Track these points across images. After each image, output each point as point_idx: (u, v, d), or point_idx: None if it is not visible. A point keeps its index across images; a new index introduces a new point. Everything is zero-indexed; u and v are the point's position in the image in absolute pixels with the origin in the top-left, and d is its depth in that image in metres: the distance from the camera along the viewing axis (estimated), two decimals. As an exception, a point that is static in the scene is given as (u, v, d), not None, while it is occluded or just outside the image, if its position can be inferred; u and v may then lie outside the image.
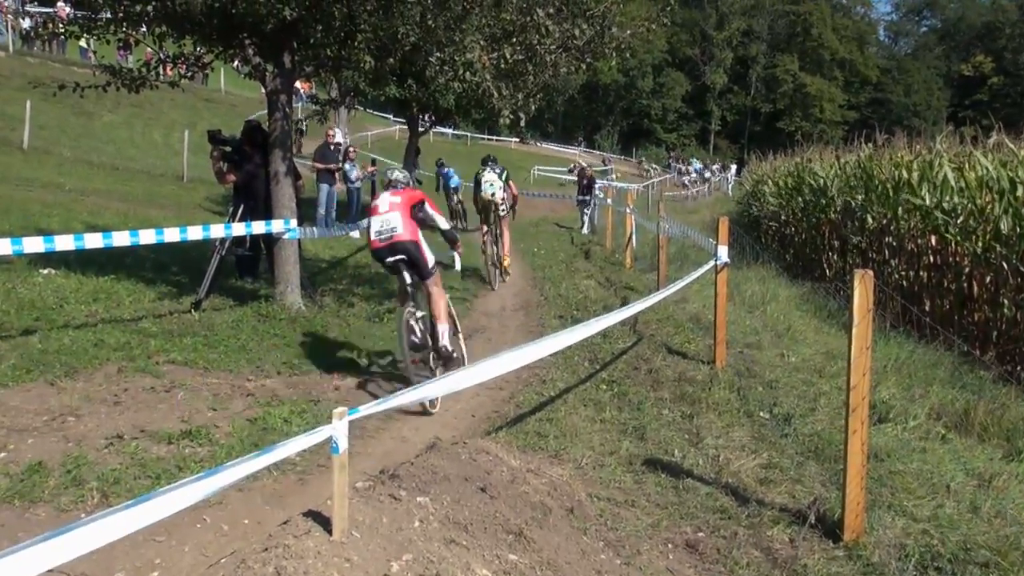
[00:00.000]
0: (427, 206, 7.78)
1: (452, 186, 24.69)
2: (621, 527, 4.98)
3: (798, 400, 7.56)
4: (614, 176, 50.78)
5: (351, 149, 21.76)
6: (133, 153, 28.29)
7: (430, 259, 7.55)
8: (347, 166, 20.37)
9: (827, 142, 31.37)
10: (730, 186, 51.24)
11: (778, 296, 13.61)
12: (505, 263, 14.58)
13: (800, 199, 18.65)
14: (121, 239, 8.12)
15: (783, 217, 19.64)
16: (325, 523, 3.69)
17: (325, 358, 8.30)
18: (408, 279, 7.42)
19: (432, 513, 4.11)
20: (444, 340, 7.41)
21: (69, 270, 10.09)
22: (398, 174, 7.82)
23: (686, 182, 58.25)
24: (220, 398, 6.73)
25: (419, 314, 7.51)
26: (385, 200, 7.55)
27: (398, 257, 7.39)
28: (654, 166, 65.51)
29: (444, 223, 8.00)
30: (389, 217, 7.43)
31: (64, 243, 7.70)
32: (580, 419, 6.82)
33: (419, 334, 7.38)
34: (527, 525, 4.40)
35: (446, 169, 25.21)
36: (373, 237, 7.42)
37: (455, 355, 7.54)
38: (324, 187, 19.09)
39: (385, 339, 9.30)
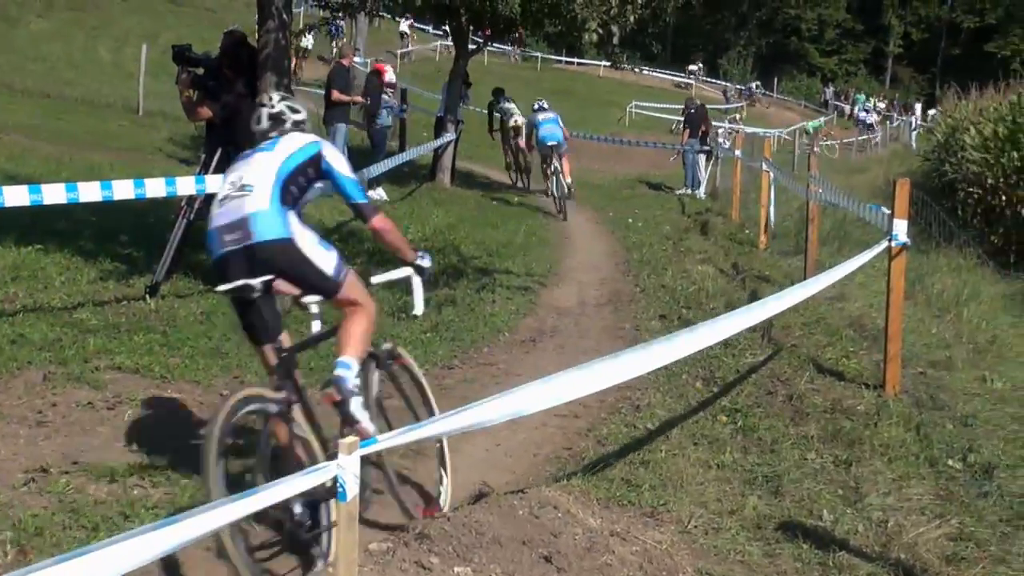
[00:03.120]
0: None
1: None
2: (743, 618, 4.96)
3: (1004, 444, 7.45)
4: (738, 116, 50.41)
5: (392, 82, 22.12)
6: (70, 75, 28.78)
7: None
8: (385, 106, 20.64)
9: (1058, 73, 30.75)
10: (913, 134, 50.53)
11: (979, 294, 13.40)
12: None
13: (1015, 155, 18.32)
14: (53, 195, 8.24)
15: (990, 181, 19.30)
16: (325, 598, 3.73)
17: (330, 367, 8.35)
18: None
19: (475, 589, 4.14)
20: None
21: (-21, 237, 10.31)
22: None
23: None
24: (183, 420, 6.83)
25: None
26: None
27: None
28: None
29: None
30: None
31: (-26, 199, 7.84)
32: (688, 463, 6.80)
33: None
34: (609, 611, 4.41)
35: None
36: None
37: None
38: (343, 128, 19.23)
39: (414, 342, 9.36)
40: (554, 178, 20.41)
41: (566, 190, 19.92)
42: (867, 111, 64.14)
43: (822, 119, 56.93)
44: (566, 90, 44.12)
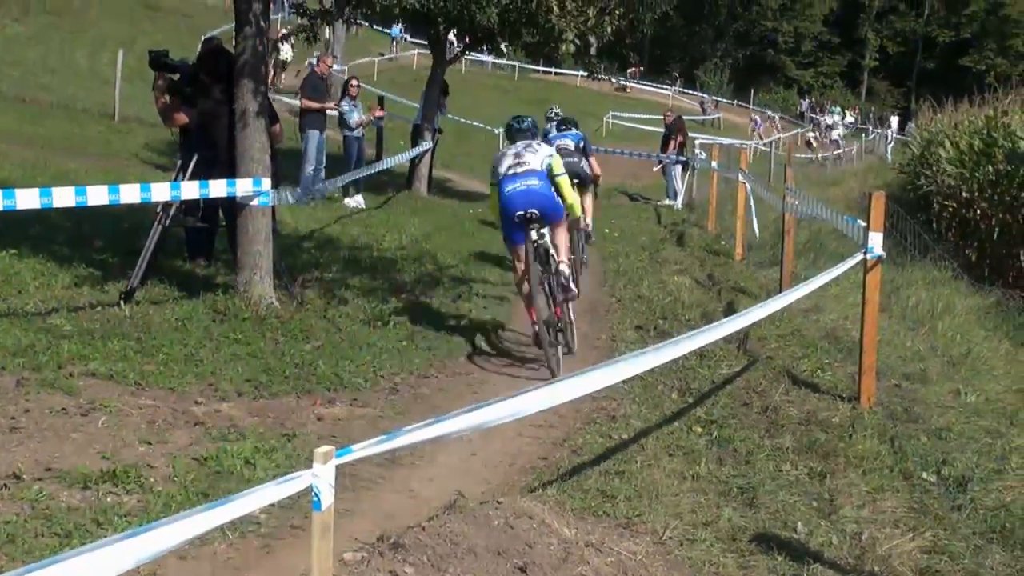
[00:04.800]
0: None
1: None
2: (717, 630, 4.96)
3: (978, 457, 7.46)
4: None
5: (353, 82, 21.77)
6: (47, 80, 28.67)
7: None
8: (346, 106, 20.41)
9: (1032, 87, 30.94)
10: (889, 147, 50.76)
11: (954, 307, 13.46)
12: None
13: (991, 169, 18.42)
14: (27, 200, 8.20)
15: (965, 194, 19.40)
16: (299, 608, 3.72)
17: (305, 376, 8.35)
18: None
19: (449, 600, 4.13)
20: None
21: (-47, 241, 10.25)
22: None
23: (811, 139, 58.35)
24: (157, 427, 6.79)
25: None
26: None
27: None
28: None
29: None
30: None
31: (-53, 203, 7.80)
32: (663, 474, 6.80)
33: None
34: (583, 622, 4.41)
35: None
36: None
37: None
38: (315, 134, 19.17)
39: (390, 351, 9.35)
40: None
41: None
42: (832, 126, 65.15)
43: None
44: (543, 100, 44.11)
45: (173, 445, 6.54)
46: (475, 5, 17.82)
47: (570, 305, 10.01)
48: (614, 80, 59.89)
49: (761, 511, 6.37)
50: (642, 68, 75.55)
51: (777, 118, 65.82)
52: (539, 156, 9.86)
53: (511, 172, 9.69)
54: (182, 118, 10.57)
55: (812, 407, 8.42)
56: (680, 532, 5.91)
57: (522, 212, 9.52)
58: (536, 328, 9.48)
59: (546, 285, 9.74)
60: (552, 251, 9.72)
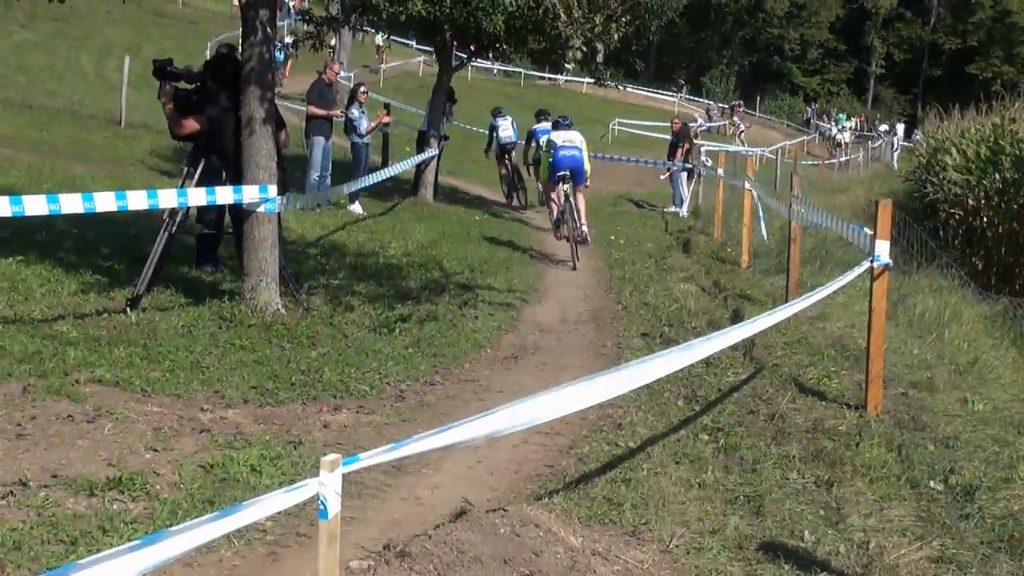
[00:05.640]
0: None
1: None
2: (724, 639, 4.95)
3: (986, 466, 7.44)
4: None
5: (362, 89, 21.71)
6: (53, 86, 28.72)
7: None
8: (355, 112, 20.38)
9: (1039, 95, 30.95)
10: (895, 154, 50.73)
11: (961, 315, 13.44)
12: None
13: (997, 176, 18.40)
14: (34, 206, 8.22)
15: (971, 202, 19.39)
16: (305, 616, 3.71)
17: (311, 382, 8.35)
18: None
19: (456, 608, 4.13)
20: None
21: (-41, 248, 10.26)
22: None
23: (840, 141, 58.96)
24: (163, 434, 6.79)
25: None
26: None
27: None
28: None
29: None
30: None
31: (-46, 210, 7.81)
32: (670, 482, 6.79)
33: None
34: (590, 631, 4.40)
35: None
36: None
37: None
38: (320, 141, 19.14)
39: (396, 358, 9.34)
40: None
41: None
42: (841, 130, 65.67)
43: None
44: (549, 107, 44.20)
45: (179, 452, 6.54)
46: (481, 12, 17.82)
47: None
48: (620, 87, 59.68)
49: (768, 519, 6.35)
50: (740, 104, 73.08)
51: (741, 125, 63.37)
52: (577, 138, 16.88)
53: (564, 145, 16.53)
54: (192, 125, 10.55)
55: (819, 415, 8.41)
56: (687, 540, 5.90)
57: (563, 171, 16.45)
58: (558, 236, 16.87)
59: (568, 219, 16.20)
60: (576, 212, 16.21)
